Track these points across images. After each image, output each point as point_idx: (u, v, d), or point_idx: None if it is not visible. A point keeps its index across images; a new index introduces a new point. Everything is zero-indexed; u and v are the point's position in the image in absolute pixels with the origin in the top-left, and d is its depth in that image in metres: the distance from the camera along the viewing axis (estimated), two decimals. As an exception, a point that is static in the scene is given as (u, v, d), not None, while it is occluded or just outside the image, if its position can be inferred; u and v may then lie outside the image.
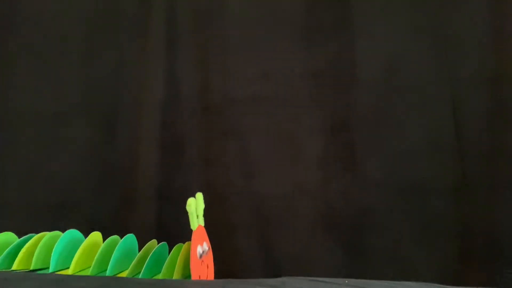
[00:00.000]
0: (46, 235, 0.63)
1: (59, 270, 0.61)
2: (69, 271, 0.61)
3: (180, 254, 0.59)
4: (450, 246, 0.79)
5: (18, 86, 0.87)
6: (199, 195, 0.61)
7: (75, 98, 0.86)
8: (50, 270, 0.60)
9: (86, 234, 0.66)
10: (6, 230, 0.80)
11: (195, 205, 0.60)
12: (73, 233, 0.65)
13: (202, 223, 0.61)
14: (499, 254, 0.77)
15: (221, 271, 0.82)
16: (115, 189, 0.84)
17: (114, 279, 0.51)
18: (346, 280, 0.53)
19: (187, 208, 0.59)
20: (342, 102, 0.84)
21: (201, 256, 0.60)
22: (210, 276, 0.64)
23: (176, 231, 0.82)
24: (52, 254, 0.61)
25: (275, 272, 0.66)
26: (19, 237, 0.64)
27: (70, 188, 0.84)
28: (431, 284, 0.54)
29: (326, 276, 0.57)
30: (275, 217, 0.80)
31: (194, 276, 0.58)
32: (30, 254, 0.61)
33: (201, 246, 0.60)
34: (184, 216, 0.60)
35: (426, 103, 0.82)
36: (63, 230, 0.66)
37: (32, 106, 0.86)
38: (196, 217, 0.60)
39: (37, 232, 0.64)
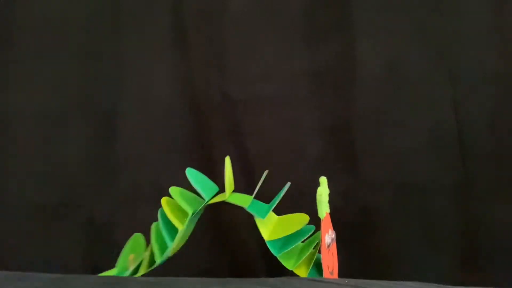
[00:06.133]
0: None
1: None
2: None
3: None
4: (451, 246, 0.79)
5: (17, 86, 0.87)
6: (324, 180, 0.60)
7: (75, 97, 0.86)
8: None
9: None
10: (6, 230, 0.80)
11: (324, 193, 0.58)
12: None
13: (328, 209, 0.59)
14: (501, 254, 0.77)
15: (221, 271, 0.82)
16: (115, 189, 0.84)
17: (113, 278, 0.51)
18: (346, 280, 0.53)
19: (318, 197, 0.58)
20: (342, 102, 0.84)
21: (329, 245, 0.58)
22: (336, 265, 0.61)
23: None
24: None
25: (275, 272, 0.65)
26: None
27: (70, 188, 0.84)
28: (431, 284, 0.54)
29: (326, 276, 0.57)
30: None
31: (324, 267, 0.56)
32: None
33: (328, 235, 0.58)
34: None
35: (427, 102, 0.82)
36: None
37: (31, 106, 0.86)
38: (324, 205, 0.58)
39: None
